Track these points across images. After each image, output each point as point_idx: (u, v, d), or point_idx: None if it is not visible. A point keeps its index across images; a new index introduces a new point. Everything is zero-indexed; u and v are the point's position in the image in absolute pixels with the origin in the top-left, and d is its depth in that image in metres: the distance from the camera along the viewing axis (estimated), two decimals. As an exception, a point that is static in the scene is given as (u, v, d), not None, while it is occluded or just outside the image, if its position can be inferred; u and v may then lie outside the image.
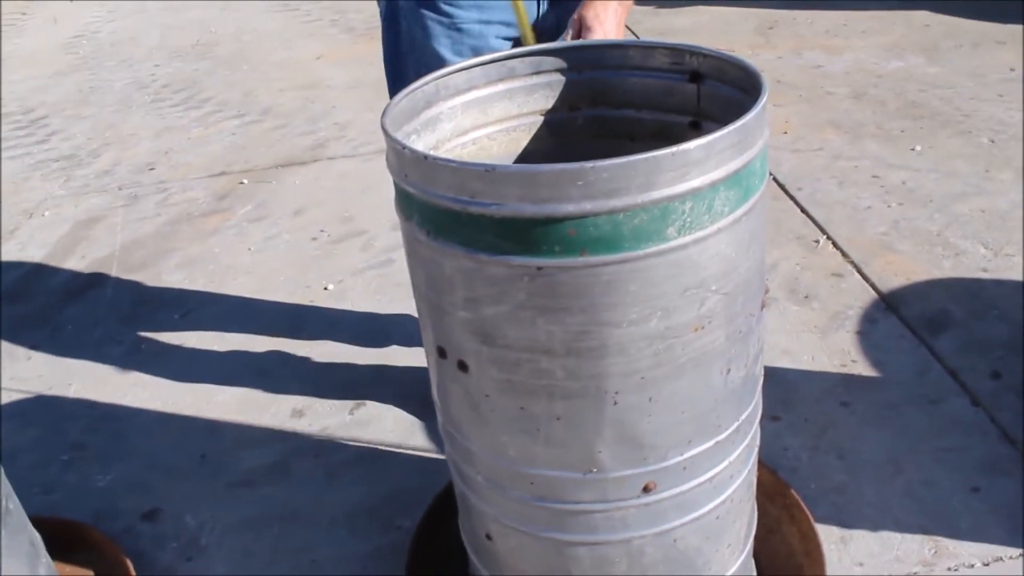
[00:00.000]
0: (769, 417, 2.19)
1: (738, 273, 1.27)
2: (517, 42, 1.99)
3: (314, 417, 2.40)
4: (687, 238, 1.17)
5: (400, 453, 2.24)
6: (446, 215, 1.22)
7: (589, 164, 1.10)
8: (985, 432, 2.16)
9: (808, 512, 1.86)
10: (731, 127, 1.17)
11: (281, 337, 2.76)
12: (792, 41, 5.19)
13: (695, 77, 1.55)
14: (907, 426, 2.19)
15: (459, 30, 1.90)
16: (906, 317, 2.58)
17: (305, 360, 2.63)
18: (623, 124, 1.65)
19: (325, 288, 3.01)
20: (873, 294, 2.69)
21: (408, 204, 1.31)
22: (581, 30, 1.80)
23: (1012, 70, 4.45)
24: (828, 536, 1.89)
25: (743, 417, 1.43)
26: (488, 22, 1.92)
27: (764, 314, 1.44)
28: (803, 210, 3.19)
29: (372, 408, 2.41)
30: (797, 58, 4.92)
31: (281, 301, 2.96)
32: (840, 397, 2.30)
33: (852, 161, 3.56)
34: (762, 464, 1.95)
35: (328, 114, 4.65)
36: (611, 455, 1.33)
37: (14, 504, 1.71)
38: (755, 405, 1.49)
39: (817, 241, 2.99)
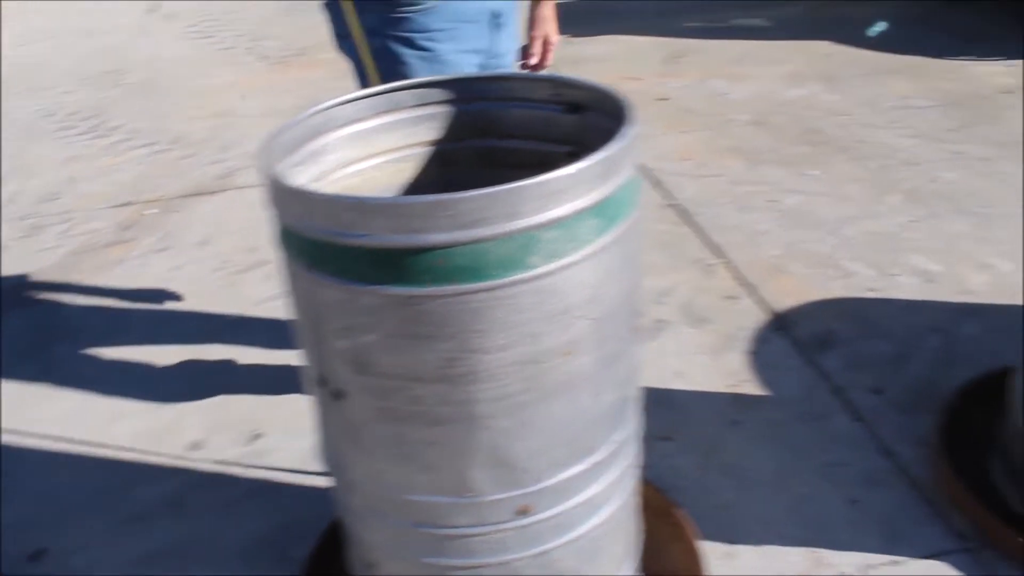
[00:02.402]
0: (660, 438, 2.26)
1: (606, 299, 1.31)
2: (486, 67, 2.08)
3: (212, 449, 2.39)
4: (552, 266, 1.21)
5: (297, 484, 2.23)
6: (320, 247, 1.25)
7: (456, 196, 1.14)
8: (866, 446, 2.24)
9: (694, 530, 1.92)
10: (593, 158, 1.21)
11: (181, 369, 2.74)
12: (699, 69, 5.33)
13: (575, 108, 1.59)
14: (793, 443, 2.26)
15: (440, 63, 1.98)
16: (796, 337, 2.67)
17: (204, 392, 2.61)
18: (509, 154, 1.69)
19: (226, 319, 2.99)
20: (765, 315, 2.78)
21: (284, 236, 1.33)
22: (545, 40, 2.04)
23: (905, 98, 4.64)
24: (714, 552, 1.94)
25: (618, 438, 1.47)
26: (464, 51, 2.00)
27: (639, 338, 1.49)
28: (702, 234, 3.28)
29: (270, 439, 2.40)
30: (703, 86, 5.05)
31: (182, 332, 2.93)
32: (730, 416, 2.37)
33: (751, 186, 3.67)
34: (650, 484, 2.00)
35: (239, 143, 4.62)
36: (486, 479, 1.36)
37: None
38: (631, 426, 1.53)
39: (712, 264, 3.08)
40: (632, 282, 1.38)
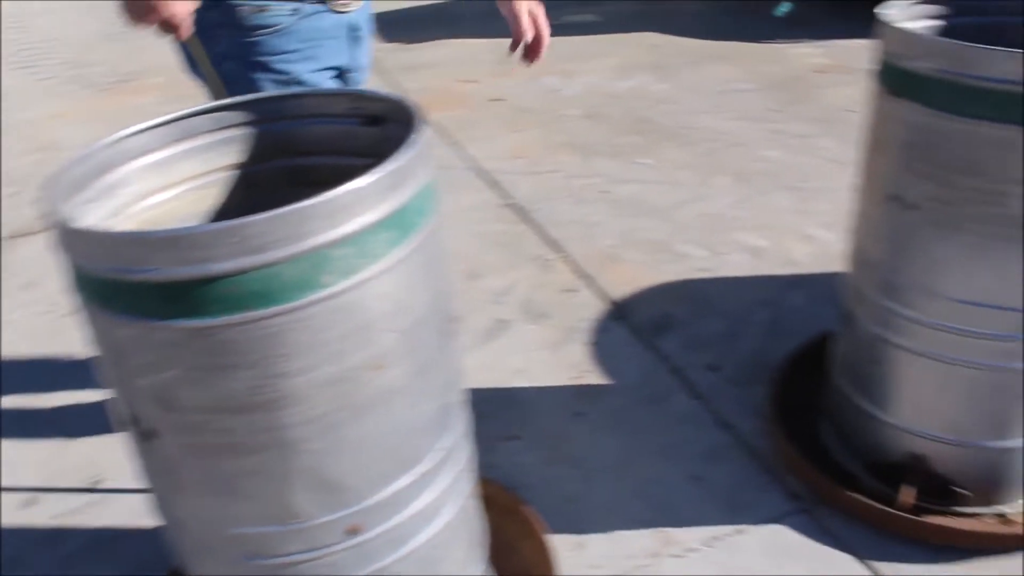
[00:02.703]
0: (507, 438, 2.28)
1: (412, 310, 1.31)
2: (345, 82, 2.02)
3: (48, 504, 2.28)
4: (347, 283, 1.20)
5: (141, 528, 2.16)
6: (109, 285, 1.20)
7: (238, 221, 1.12)
8: (706, 423, 2.32)
9: (542, 525, 1.94)
10: (378, 171, 1.21)
11: (10, 420, 2.61)
12: (532, 68, 5.37)
13: (374, 120, 1.59)
14: (636, 427, 2.32)
15: (298, 85, 1.91)
16: (634, 323, 2.74)
17: (36, 443, 2.49)
18: (313, 172, 1.67)
19: (57, 365, 2.86)
20: (604, 305, 2.84)
21: (75, 277, 1.28)
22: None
23: (728, 82, 4.82)
24: (565, 544, 1.97)
25: (445, 445, 1.48)
26: (322, 70, 1.93)
27: (454, 343, 1.50)
28: (540, 231, 3.32)
29: (110, 485, 2.31)
30: (536, 84, 5.12)
31: (10, 381, 2.79)
32: (574, 408, 2.41)
33: (585, 179, 3.74)
34: (497, 484, 2.02)
35: (64, 178, 4.41)
36: (310, 502, 1.34)
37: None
38: (459, 432, 1.54)
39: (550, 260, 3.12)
40: (438, 289, 1.39)
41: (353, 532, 1.39)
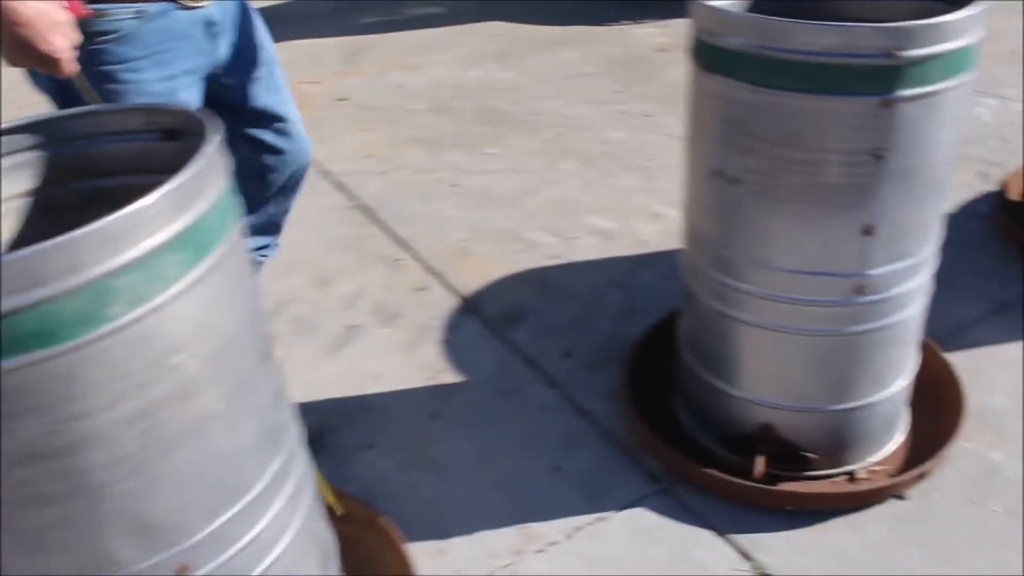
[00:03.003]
0: (364, 447, 2.22)
1: (218, 332, 1.23)
2: (209, 83, 1.87)
3: None
4: (138, 312, 1.11)
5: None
6: None
7: (3, 257, 1.02)
8: (562, 411, 2.30)
9: (400, 535, 1.88)
10: (159, 191, 1.13)
11: None
12: (378, 64, 5.30)
13: (172, 135, 1.49)
14: (493, 423, 2.28)
15: (148, 94, 1.75)
16: (486, 317, 2.70)
17: None
18: (114, 193, 1.56)
19: None
20: (456, 301, 2.79)
21: None
22: None
23: (573, 66, 4.84)
24: (425, 551, 1.92)
25: (275, 469, 1.40)
26: (172, 76, 1.77)
27: (273, 360, 1.42)
28: (388, 230, 3.25)
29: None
30: (382, 80, 5.03)
31: None
32: (430, 409, 2.36)
33: (433, 174, 3.69)
34: (352, 497, 1.95)
35: None
36: (129, 547, 1.25)
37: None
38: (289, 452, 1.47)
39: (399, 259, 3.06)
40: (247, 306, 1.31)
41: (183, 572, 1.31)
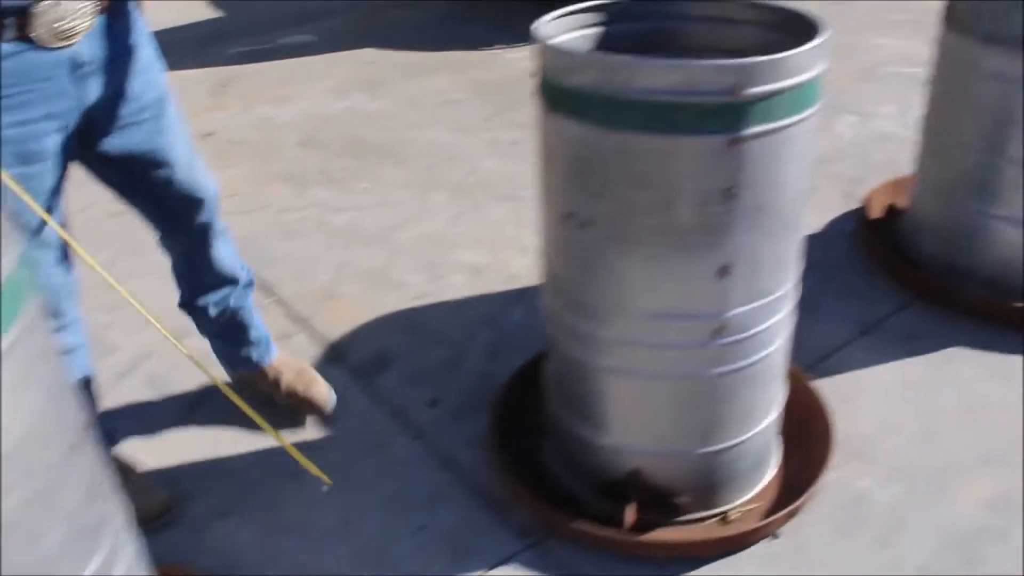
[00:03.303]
0: (219, 515, 2.07)
1: (12, 428, 1.09)
2: (84, 128, 1.68)
3: None
4: None
5: None
6: None
7: None
8: (427, 464, 2.20)
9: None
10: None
11: None
12: (245, 97, 5.11)
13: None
14: (357, 481, 2.16)
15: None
16: (352, 364, 2.58)
17: None
18: None
19: None
20: (320, 348, 2.66)
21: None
22: None
23: (444, 94, 4.75)
24: (283, 629, 1.79)
25: (96, 566, 1.26)
26: (28, 122, 1.57)
27: (86, 450, 1.28)
28: (251, 275, 3.10)
29: None
30: (249, 114, 4.86)
31: None
32: (292, 470, 2.20)
33: (300, 212, 3.54)
34: (204, 572, 1.81)
35: None
36: None
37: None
38: (112, 547, 1.32)
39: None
40: (51, 393, 1.17)
41: None
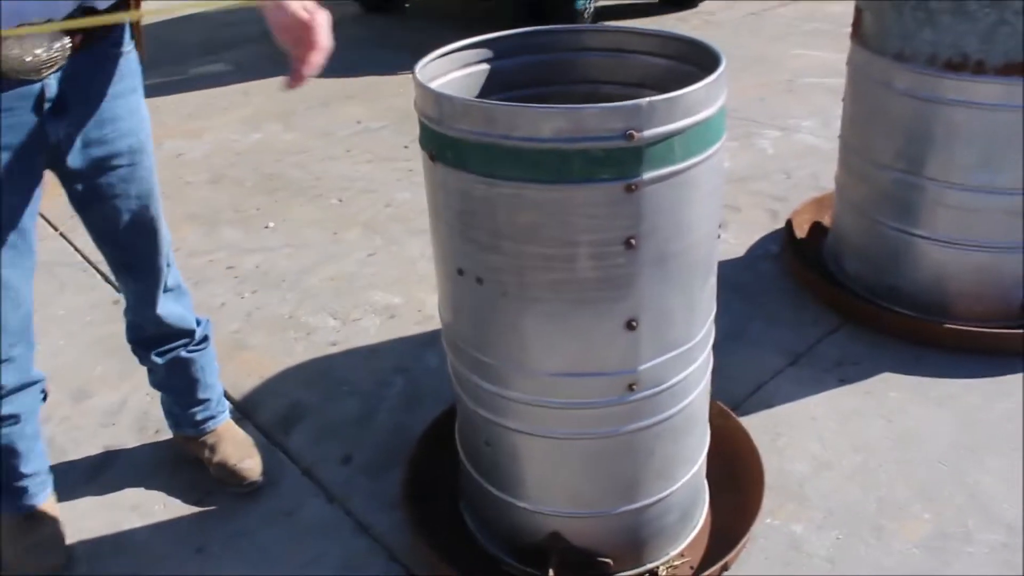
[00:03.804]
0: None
1: None
2: (18, 158, 1.59)
3: None
4: None
5: None
6: None
7: None
8: (341, 529, 2.06)
9: None
10: None
11: None
12: (154, 133, 4.91)
13: None
14: (265, 553, 2.01)
15: None
16: (261, 422, 2.43)
17: None
18: None
19: None
20: (228, 405, 2.51)
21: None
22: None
23: (359, 123, 4.62)
24: None
25: None
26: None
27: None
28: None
29: None
30: (158, 150, 4.63)
31: None
32: (195, 543, 2.07)
33: (208, 255, 3.38)
34: None
35: None
36: None
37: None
38: None
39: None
40: None
41: None
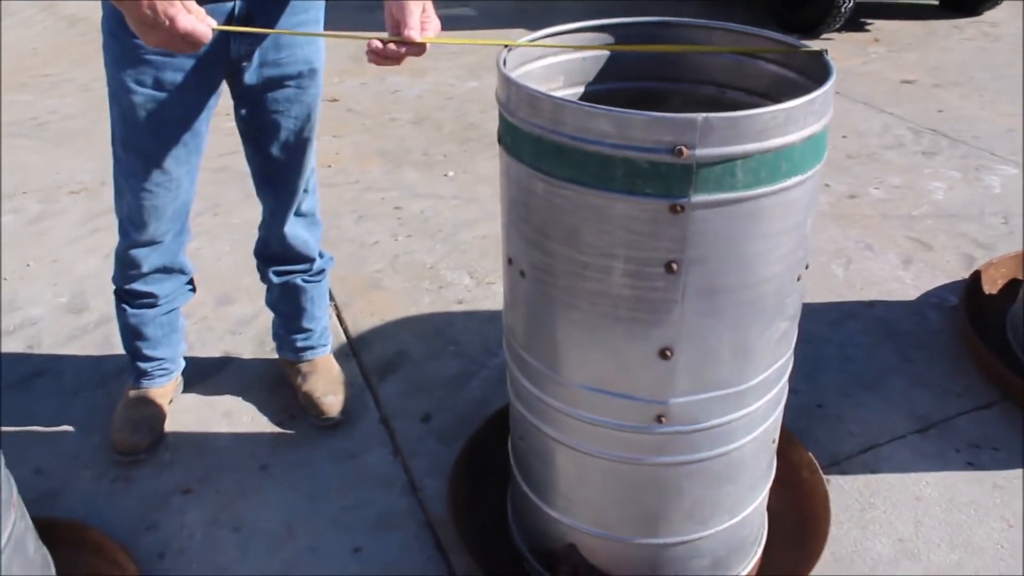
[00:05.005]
0: (182, 491, 2.05)
1: None
2: (201, 67, 1.77)
3: None
4: None
5: None
6: None
7: None
8: (393, 484, 2.08)
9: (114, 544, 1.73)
10: None
11: None
12: (376, 69, 5.11)
13: None
14: (316, 485, 2.07)
15: (143, 61, 1.73)
16: (365, 362, 2.49)
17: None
18: None
19: None
20: (342, 339, 2.58)
21: None
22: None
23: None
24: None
25: None
26: (172, 52, 1.65)
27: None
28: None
29: None
30: (380, 84, 4.85)
31: None
32: (263, 460, 2.16)
33: (382, 192, 3.48)
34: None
35: None
36: None
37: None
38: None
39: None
40: None
41: None
